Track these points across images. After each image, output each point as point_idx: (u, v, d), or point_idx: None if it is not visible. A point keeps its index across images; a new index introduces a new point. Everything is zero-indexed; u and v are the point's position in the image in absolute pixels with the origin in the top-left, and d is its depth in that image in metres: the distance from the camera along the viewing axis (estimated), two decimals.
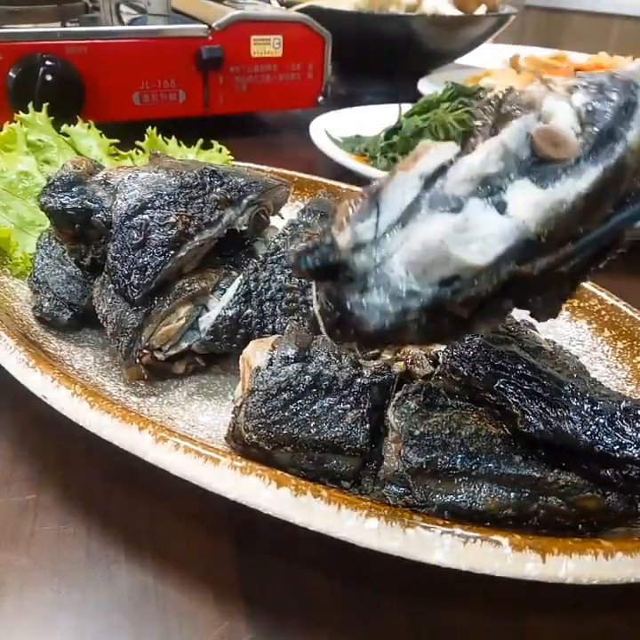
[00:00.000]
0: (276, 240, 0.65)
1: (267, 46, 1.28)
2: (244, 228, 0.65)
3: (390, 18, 1.61)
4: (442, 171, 0.39)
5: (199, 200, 0.62)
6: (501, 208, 0.38)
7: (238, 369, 0.57)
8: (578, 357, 0.60)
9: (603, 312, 0.69)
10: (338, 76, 1.55)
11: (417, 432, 0.46)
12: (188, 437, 0.48)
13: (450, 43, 1.67)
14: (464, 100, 1.08)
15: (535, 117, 0.39)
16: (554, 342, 0.62)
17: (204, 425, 0.57)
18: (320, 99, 1.40)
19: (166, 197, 0.61)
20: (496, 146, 0.38)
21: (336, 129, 1.25)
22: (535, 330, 0.63)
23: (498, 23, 1.69)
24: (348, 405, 0.50)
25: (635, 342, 0.65)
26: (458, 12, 1.74)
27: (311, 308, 0.48)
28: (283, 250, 0.63)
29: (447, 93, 1.12)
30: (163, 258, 0.58)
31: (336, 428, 0.49)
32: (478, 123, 0.41)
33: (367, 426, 0.49)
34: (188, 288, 0.60)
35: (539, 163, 0.38)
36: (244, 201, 0.65)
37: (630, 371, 0.63)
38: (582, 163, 0.37)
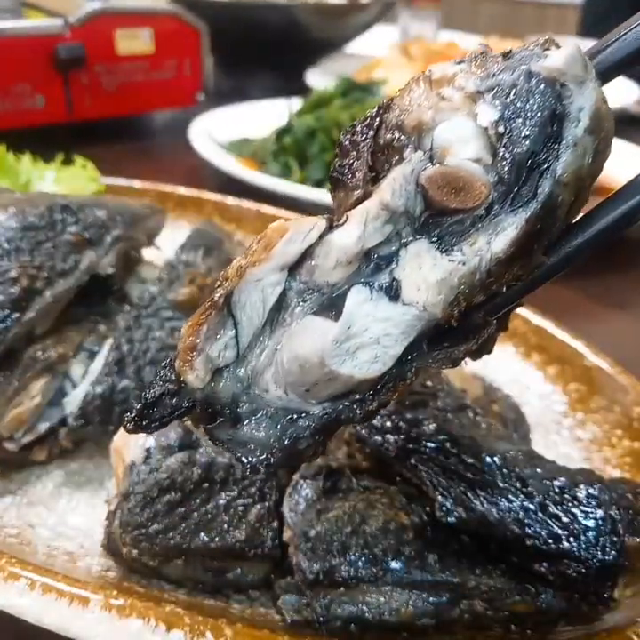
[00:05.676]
0: (151, 288, 0.54)
1: (135, 41, 1.14)
2: (110, 271, 0.54)
3: (271, 7, 1.49)
4: (308, 255, 0.29)
5: (48, 244, 0.50)
6: (393, 293, 0.28)
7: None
8: (510, 396, 0.53)
9: (529, 334, 0.62)
10: (219, 71, 1.43)
11: (312, 532, 0.38)
12: (47, 570, 0.37)
13: (336, 31, 1.58)
14: (357, 96, 1.00)
15: (424, 156, 0.28)
16: (483, 380, 0.55)
17: (75, 529, 0.46)
18: (200, 96, 1.28)
19: (5, 245, 0.49)
20: (375, 211, 0.28)
21: (220, 130, 1.14)
22: None
23: (384, 8, 1.62)
24: (251, 499, 0.41)
25: (565, 366, 0.59)
26: None
27: None
28: (160, 300, 0.52)
29: (339, 89, 1.03)
30: (4, 323, 0.46)
31: (237, 531, 0.40)
32: (343, 164, 0.30)
33: (275, 523, 0.40)
34: (42, 356, 0.48)
35: (438, 215, 0.28)
36: (108, 238, 0.54)
37: (567, 401, 0.57)
38: (497, 210, 0.27)
